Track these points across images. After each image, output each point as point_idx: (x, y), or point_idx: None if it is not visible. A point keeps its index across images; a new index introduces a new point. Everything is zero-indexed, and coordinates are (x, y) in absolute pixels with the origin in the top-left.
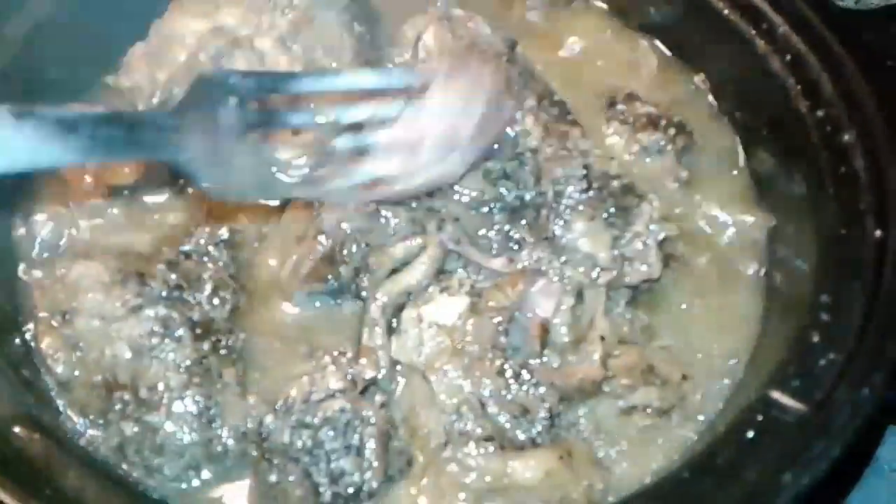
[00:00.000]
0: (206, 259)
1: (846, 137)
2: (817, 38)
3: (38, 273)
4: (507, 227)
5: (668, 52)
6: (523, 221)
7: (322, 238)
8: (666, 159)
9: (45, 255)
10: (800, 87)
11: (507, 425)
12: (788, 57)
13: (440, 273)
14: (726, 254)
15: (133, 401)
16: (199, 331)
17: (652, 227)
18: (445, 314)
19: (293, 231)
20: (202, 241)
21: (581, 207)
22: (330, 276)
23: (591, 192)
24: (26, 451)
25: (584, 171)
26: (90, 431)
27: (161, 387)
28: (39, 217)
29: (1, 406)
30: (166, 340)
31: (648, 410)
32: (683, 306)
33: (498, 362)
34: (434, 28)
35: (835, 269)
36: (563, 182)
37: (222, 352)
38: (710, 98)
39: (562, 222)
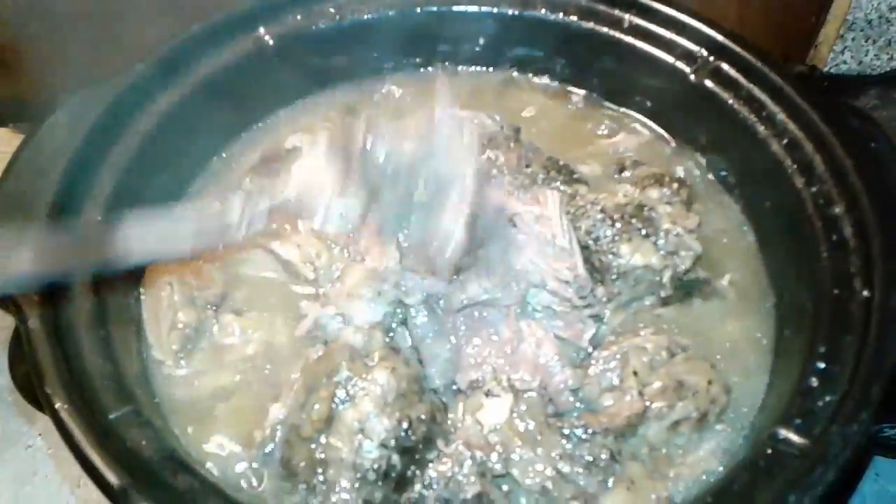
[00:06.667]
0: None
1: (836, 210)
2: (810, 123)
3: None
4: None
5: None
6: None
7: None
8: (676, 209)
9: None
10: (796, 166)
11: (583, 480)
12: (786, 140)
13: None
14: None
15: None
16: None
17: (675, 221)
18: (498, 415)
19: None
20: None
21: (617, 237)
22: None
23: (617, 225)
24: (172, 485)
25: (602, 215)
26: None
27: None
28: None
29: (151, 447)
30: (379, 483)
31: (690, 420)
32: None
33: (557, 427)
34: None
35: (830, 324)
36: (592, 231)
37: None
38: (710, 176)
39: (611, 255)
